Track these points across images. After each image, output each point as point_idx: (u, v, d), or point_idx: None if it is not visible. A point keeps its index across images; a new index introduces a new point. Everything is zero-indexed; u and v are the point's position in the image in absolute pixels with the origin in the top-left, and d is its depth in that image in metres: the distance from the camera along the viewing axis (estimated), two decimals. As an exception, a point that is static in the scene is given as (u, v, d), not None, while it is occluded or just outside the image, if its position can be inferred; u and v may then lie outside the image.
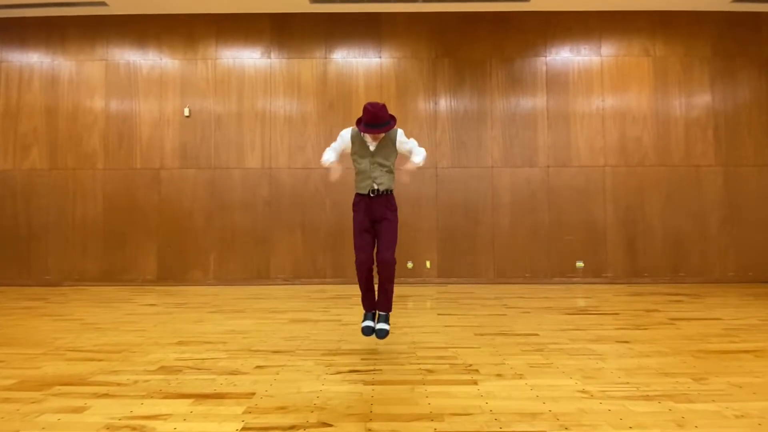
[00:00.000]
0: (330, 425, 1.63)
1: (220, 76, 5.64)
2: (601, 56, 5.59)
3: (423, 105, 5.58)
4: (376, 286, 2.53)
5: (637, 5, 5.48)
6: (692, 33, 5.55)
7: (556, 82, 5.57)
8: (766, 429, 1.58)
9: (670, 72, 5.56)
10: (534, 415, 1.70)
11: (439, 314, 3.68)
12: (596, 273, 5.43)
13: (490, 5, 5.48)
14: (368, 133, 2.37)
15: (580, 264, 5.43)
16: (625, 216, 5.46)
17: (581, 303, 4.19)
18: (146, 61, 5.66)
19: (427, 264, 5.44)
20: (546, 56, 5.60)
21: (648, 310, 3.75)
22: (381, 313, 2.47)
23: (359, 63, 5.65)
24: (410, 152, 2.53)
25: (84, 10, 5.56)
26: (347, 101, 5.60)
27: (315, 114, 5.60)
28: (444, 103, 5.58)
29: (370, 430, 1.59)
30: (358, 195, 2.50)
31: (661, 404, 1.80)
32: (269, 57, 5.65)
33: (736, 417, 1.68)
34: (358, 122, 2.41)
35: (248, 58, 5.65)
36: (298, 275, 5.47)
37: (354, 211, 2.52)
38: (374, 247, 2.51)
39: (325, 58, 5.65)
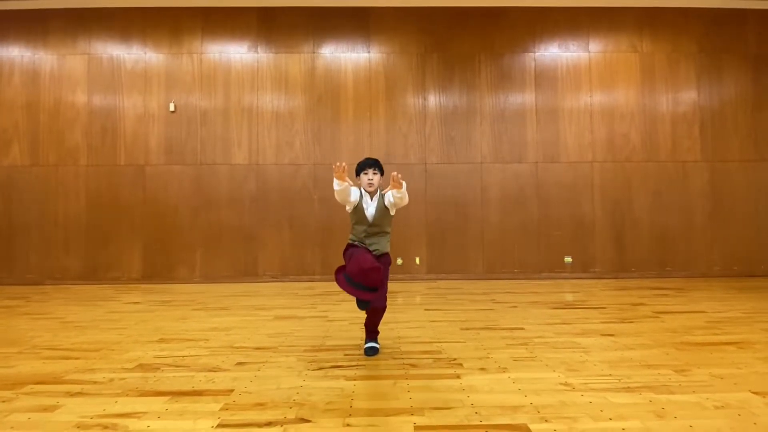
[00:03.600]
0: (308, 421, 1.60)
1: (206, 71, 5.55)
2: (589, 52, 5.61)
3: (412, 100, 5.55)
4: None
5: (625, 1, 5.50)
6: (679, 29, 5.59)
7: (545, 78, 5.58)
8: (745, 419, 1.58)
9: (657, 68, 5.60)
10: (515, 408, 1.68)
11: (426, 309, 3.66)
12: (584, 268, 5.46)
13: (479, 0, 5.47)
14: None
15: (568, 259, 5.45)
16: (613, 211, 5.50)
17: (568, 297, 4.20)
18: (130, 54, 5.56)
19: (417, 260, 5.42)
20: (535, 52, 5.60)
21: (634, 304, 3.78)
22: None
23: (347, 58, 5.60)
24: (390, 197, 2.34)
25: (66, 2, 5.44)
26: (335, 96, 5.55)
27: (303, 109, 5.54)
28: (433, 99, 5.55)
29: (348, 425, 1.56)
30: (350, 244, 2.41)
31: (642, 396, 1.79)
32: (256, 51, 5.58)
33: (716, 408, 1.68)
34: (339, 270, 2.20)
35: (235, 53, 5.57)
36: (286, 272, 5.42)
37: (345, 250, 2.41)
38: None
39: (313, 52, 5.59)
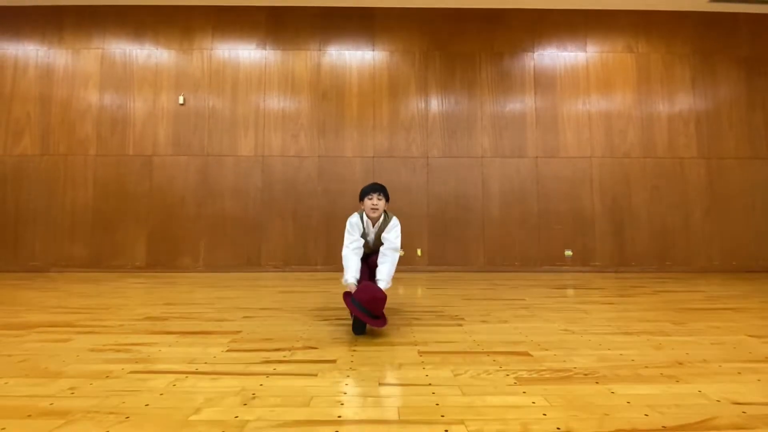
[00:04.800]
0: (315, 348, 1.65)
1: (215, 66, 5.72)
2: (586, 52, 5.78)
3: (414, 96, 5.70)
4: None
5: (620, 4, 5.71)
6: (673, 31, 5.78)
7: (544, 76, 5.74)
8: (740, 351, 1.62)
9: (652, 68, 5.76)
10: (516, 343, 1.73)
11: (428, 288, 3.70)
12: (585, 262, 5.50)
13: (479, 1, 5.68)
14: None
15: (568, 253, 5.49)
16: (612, 206, 5.57)
17: (569, 284, 4.24)
18: (143, 50, 5.74)
19: (418, 252, 5.47)
20: (534, 51, 5.78)
21: (634, 286, 3.81)
22: None
23: (352, 56, 5.78)
24: (388, 245, 2.29)
25: (82, 0, 5.65)
26: (340, 92, 5.71)
27: (308, 104, 5.68)
28: (435, 95, 5.70)
29: (354, 350, 1.61)
30: None
31: (640, 337, 1.84)
32: (264, 48, 5.76)
33: (712, 344, 1.72)
34: (347, 294, 2.09)
35: (243, 50, 5.76)
36: (289, 263, 5.46)
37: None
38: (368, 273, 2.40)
39: (320, 50, 5.77)
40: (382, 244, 2.33)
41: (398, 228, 2.33)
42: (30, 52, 5.71)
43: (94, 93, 5.67)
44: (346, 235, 2.30)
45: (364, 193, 2.31)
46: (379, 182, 2.38)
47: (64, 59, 5.71)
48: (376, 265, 2.31)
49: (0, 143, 5.58)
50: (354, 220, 2.33)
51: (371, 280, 2.35)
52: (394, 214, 2.46)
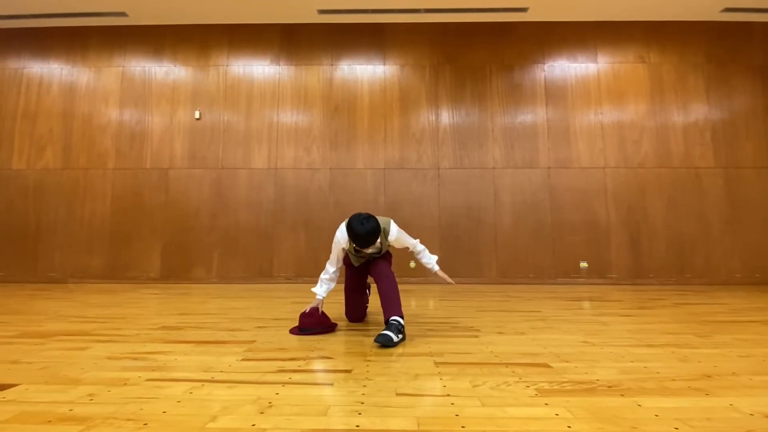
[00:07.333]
0: (330, 358, 1.63)
1: (230, 82, 5.86)
2: (597, 63, 5.78)
3: (425, 108, 5.74)
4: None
5: (631, 15, 5.72)
6: (685, 41, 5.75)
7: (555, 88, 5.74)
8: (770, 364, 1.56)
9: (665, 78, 5.72)
10: (535, 355, 1.69)
11: (441, 300, 3.66)
12: (601, 274, 5.38)
13: (489, 16, 5.75)
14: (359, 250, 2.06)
15: (584, 264, 5.39)
16: (627, 217, 5.47)
17: (585, 296, 4.15)
18: (161, 68, 5.92)
19: (430, 263, 5.42)
20: (544, 63, 5.79)
21: (653, 299, 3.71)
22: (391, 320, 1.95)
23: (364, 70, 5.87)
24: (410, 247, 2.30)
25: (105, 21, 5.89)
26: (352, 105, 5.78)
27: (321, 117, 5.76)
28: (446, 107, 5.73)
29: (369, 361, 1.59)
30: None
31: (664, 349, 1.78)
32: (278, 64, 5.89)
33: (740, 357, 1.66)
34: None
35: (258, 66, 5.90)
36: (301, 274, 5.47)
37: (345, 265, 2.46)
38: (365, 305, 2.56)
39: (332, 65, 5.88)
40: (379, 254, 2.21)
41: (398, 230, 2.15)
42: (54, 70, 5.94)
43: (114, 109, 5.85)
44: (332, 255, 2.25)
45: (355, 241, 1.95)
46: (368, 218, 1.95)
47: (87, 77, 5.92)
48: (367, 274, 2.36)
49: (24, 157, 5.76)
50: (341, 236, 2.07)
51: (364, 291, 2.52)
52: (389, 218, 2.21)
